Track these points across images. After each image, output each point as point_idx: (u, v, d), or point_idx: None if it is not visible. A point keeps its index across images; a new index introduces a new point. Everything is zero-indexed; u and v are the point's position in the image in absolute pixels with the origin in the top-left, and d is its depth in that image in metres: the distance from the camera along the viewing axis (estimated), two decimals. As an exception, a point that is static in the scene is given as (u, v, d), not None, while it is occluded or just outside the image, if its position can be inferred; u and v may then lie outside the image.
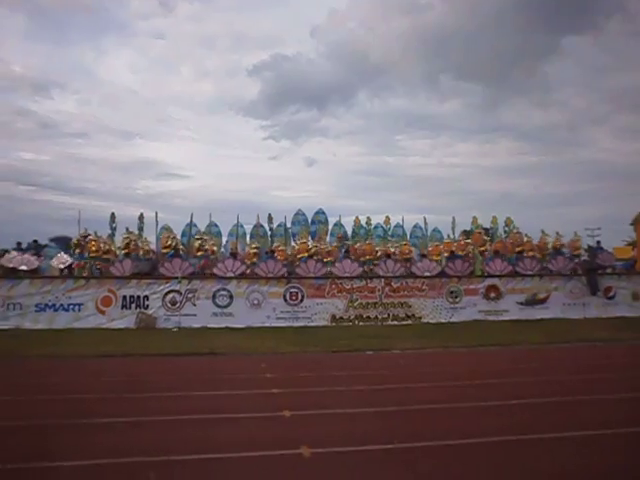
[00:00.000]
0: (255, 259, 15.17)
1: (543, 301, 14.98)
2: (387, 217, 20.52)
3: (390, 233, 20.35)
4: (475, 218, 20.45)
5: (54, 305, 13.16)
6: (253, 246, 16.01)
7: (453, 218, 20.31)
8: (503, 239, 18.29)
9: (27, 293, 13.13)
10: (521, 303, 14.90)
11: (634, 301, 15.21)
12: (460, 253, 16.33)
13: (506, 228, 19.79)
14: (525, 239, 17.00)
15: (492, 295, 14.82)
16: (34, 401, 6.09)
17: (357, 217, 20.41)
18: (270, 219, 19.65)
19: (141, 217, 19.43)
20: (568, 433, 4.58)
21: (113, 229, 19.10)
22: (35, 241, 17.88)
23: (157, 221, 19.36)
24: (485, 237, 17.90)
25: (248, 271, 14.73)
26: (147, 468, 3.81)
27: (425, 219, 20.23)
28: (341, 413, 5.44)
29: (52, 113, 74.40)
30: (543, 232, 17.16)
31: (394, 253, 16.42)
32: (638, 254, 17.97)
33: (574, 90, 78.18)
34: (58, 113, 73.56)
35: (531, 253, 16.19)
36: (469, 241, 17.53)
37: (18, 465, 3.92)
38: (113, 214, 19.26)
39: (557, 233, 17.02)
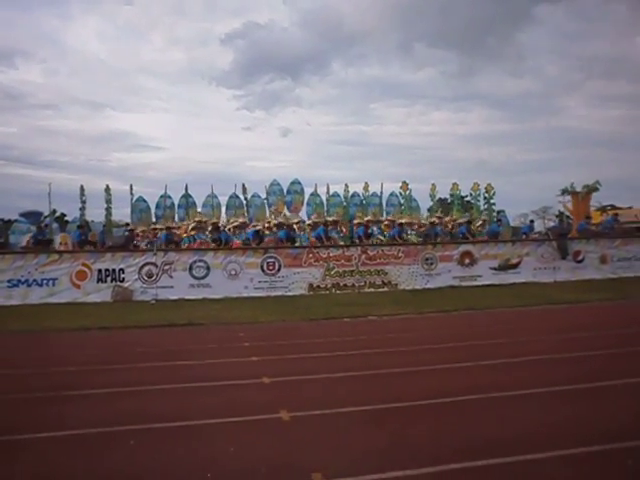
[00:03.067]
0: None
1: (515, 266, 15.32)
2: (366, 184, 20.57)
3: (365, 202, 20.46)
4: (456, 185, 20.69)
5: (27, 280, 12.95)
6: (232, 220, 16.07)
7: (433, 185, 20.52)
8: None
9: (-2, 269, 12.89)
10: (494, 268, 15.22)
11: (602, 264, 15.68)
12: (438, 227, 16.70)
13: (486, 194, 20.12)
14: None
15: (466, 261, 15.08)
16: (13, 375, 6.08)
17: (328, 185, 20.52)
18: (244, 190, 19.53)
19: (108, 190, 19.11)
20: (535, 389, 4.76)
21: (83, 202, 18.79)
22: (1, 219, 17.49)
23: (132, 194, 19.11)
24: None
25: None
26: (128, 436, 3.86)
27: (407, 184, 20.35)
28: (319, 378, 5.56)
29: (17, 83, 71.87)
30: None
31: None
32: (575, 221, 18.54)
33: (547, 58, 78.60)
34: (24, 83, 71.21)
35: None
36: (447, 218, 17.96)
37: (6, 437, 3.93)
38: (82, 187, 18.90)
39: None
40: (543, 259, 15.45)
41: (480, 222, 18.11)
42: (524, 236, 17.19)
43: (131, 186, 19.35)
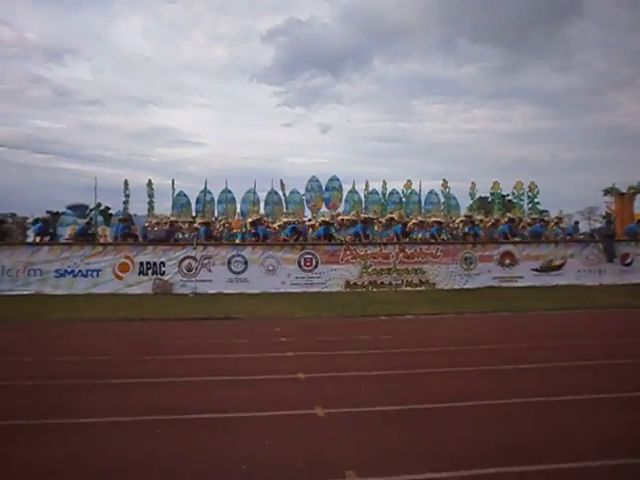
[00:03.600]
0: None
1: (558, 268, 14.88)
2: (408, 181, 20.42)
3: (405, 200, 20.30)
4: (497, 183, 20.28)
5: (73, 271, 13.39)
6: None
7: (472, 184, 20.19)
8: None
9: (47, 259, 13.36)
10: (536, 270, 14.83)
11: (651, 268, 15.06)
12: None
13: (530, 194, 19.64)
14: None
15: (507, 262, 14.75)
16: (56, 362, 6.29)
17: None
18: (282, 186, 19.65)
19: (150, 184, 19.61)
20: (572, 397, 4.61)
21: (127, 196, 19.33)
22: (49, 211, 18.18)
23: (173, 188, 19.51)
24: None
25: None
26: (165, 427, 3.93)
27: (446, 182, 20.11)
28: (355, 376, 5.53)
29: (66, 81, 74.44)
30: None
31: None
32: (619, 223, 17.67)
33: (596, 52, 75.92)
34: (72, 80, 73.60)
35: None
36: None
37: (37, 421, 4.07)
38: (126, 181, 19.45)
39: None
40: (588, 261, 14.96)
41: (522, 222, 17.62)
42: (568, 237, 16.68)
43: (173, 181, 19.79)
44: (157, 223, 16.88)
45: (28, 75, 70.22)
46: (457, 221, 17.02)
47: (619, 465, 3.18)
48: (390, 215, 17.06)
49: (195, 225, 16.66)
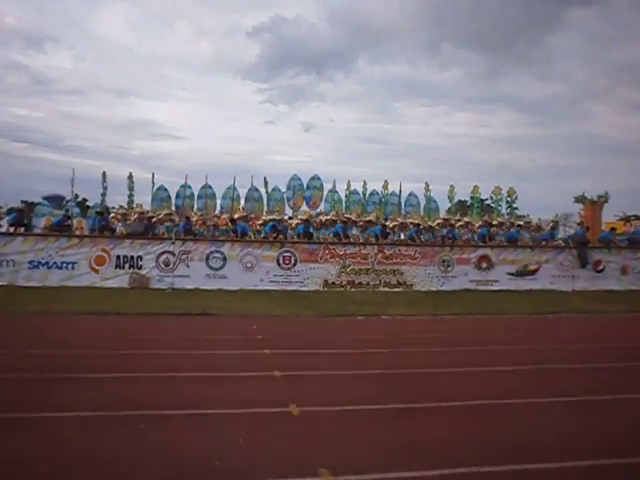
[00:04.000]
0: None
1: (533, 272, 15.15)
2: (386, 182, 20.55)
3: (384, 200, 20.42)
4: (476, 187, 20.54)
5: (47, 263, 13.15)
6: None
7: (451, 187, 20.39)
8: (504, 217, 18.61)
9: (20, 250, 13.09)
10: (512, 274, 15.06)
11: (622, 275, 15.44)
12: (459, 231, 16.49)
13: (508, 199, 19.93)
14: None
15: (483, 265, 14.96)
16: (28, 355, 6.19)
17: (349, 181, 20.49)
18: (266, 183, 19.60)
19: (130, 177, 19.40)
20: (542, 399, 4.72)
21: (105, 189, 19.07)
22: (24, 201, 17.81)
23: (153, 182, 19.29)
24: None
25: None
26: (137, 421, 3.91)
27: (428, 185, 20.30)
28: (330, 375, 5.57)
29: (46, 69, 72.91)
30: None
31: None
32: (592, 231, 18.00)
33: (577, 62, 77.23)
34: (52, 69, 72.14)
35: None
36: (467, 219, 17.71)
37: (7, 415, 4.01)
38: (104, 173, 19.17)
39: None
40: (562, 267, 15.25)
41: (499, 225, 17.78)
42: (544, 242, 16.97)
43: (153, 175, 19.53)
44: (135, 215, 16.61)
45: (6, 61, 68.64)
46: (434, 223, 17.15)
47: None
48: (368, 217, 17.12)
49: (174, 219, 16.47)
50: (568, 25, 71.37)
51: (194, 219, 16.13)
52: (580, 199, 21.27)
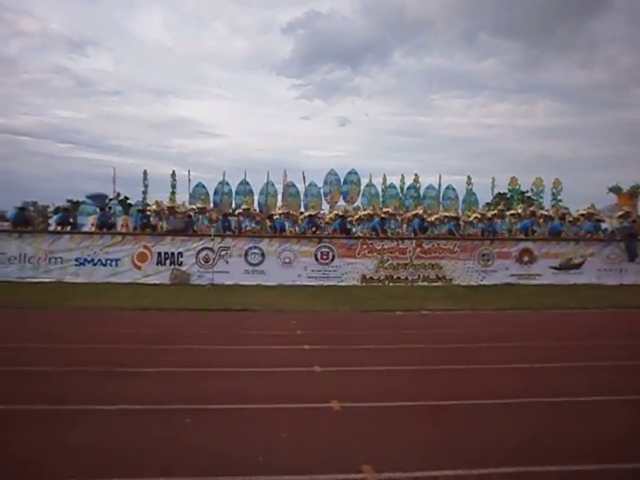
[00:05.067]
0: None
1: (578, 266, 14.70)
2: (416, 175, 20.32)
3: (422, 194, 20.18)
4: (514, 179, 20.05)
5: (92, 260, 13.59)
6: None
7: (493, 179, 20.00)
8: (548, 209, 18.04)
9: (67, 248, 13.57)
10: (555, 268, 14.65)
11: (674, 268, 14.79)
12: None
13: (553, 190, 19.38)
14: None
15: (525, 259, 14.61)
16: (74, 349, 6.39)
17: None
18: (304, 178, 19.61)
19: (173, 175, 19.77)
20: (592, 397, 4.57)
21: (145, 186, 19.48)
22: (69, 200, 18.35)
23: (189, 179, 19.59)
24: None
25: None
26: (183, 415, 3.98)
27: (470, 178, 19.98)
28: (370, 370, 5.54)
29: (88, 71, 74.91)
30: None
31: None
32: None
33: (621, 48, 74.07)
34: (93, 71, 73.99)
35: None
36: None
37: (54, 407, 4.15)
38: (145, 172, 19.59)
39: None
40: (609, 260, 14.74)
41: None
42: (589, 236, 16.43)
43: (189, 172, 19.82)
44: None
45: (51, 65, 70.91)
46: (472, 217, 16.81)
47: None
48: (414, 212, 16.89)
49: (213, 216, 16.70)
50: (612, 9, 68.47)
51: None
52: (615, 190, 20.54)
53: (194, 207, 16.44)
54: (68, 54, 75.97)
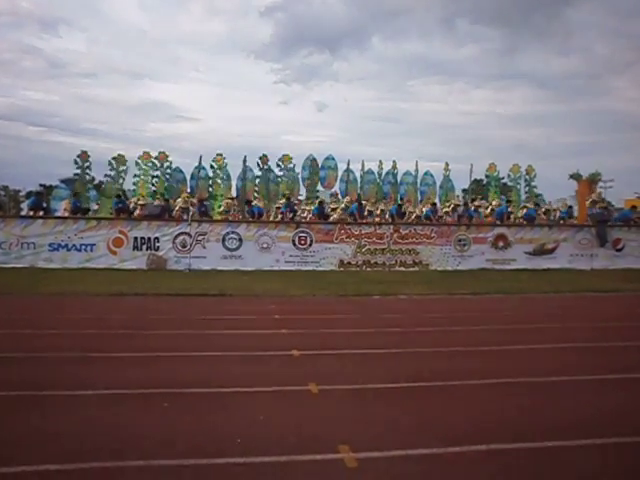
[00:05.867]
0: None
1: (551, 251, 14.99)
2: (394, 162, 20.44)
3: (400, 180, 20.31)
4: (493, 165, 20.28)
5: (67, 245, 13.35)
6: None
7: (471, 165, 20.20)
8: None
9: (40, 233, 13.29)
10: (529, 253, 14.93)
11: (643, 253, 15.20)
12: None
13: (527, 177, 19.69)
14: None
15: (500, 244, 14.84)
16: (50, 335, 6.32)
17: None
18: (286, 160, 19.54)
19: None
20: (547, 378, 4.70)
21: (120, 171, 19.16)
22: (42, 185, 17.96)
23: (162, 165, 19.28)
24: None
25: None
26: (160, 399, 3.97)
27: (447, 165, 20.17)
28: (348, 353, 5.60)
29: (60, 52, 73.14)
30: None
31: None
32: (581, 207, 17.68)
33: (597, 36, 75.26)
34: (66, 52, 72.42)
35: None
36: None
37: (32, 392, 4.11)
38: (121, 156, 19.23)
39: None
40: (581, 245, 15.07)
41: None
42: (561, 221, 16.75)
43: (165, 153, 19.49)
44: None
45: (21, 45, 69.07)
46: (448, 206, 17.01)
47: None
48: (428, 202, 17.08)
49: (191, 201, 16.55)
50: (587, -3, 69.15)
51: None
52: (575, 177, 21.05)
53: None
54: (39, 34, 74.22)
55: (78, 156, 18.93)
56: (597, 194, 17.88)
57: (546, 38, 75.10)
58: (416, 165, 20.24)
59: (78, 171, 18.90)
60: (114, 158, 18.90)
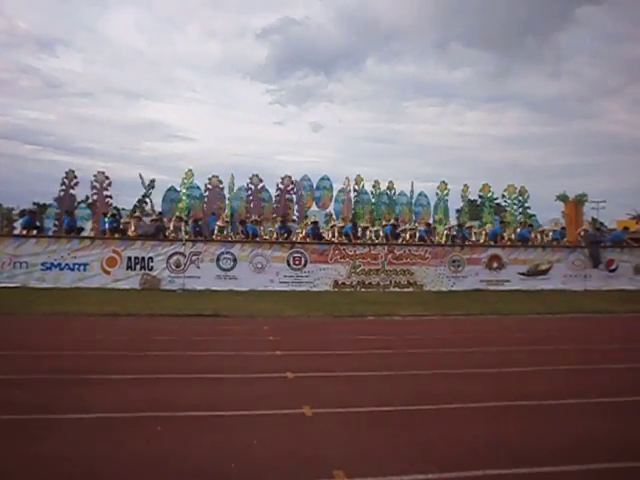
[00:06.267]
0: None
1: (545, 272, 15.06)
2: (391, 182, 20.51)
3: (394, 201, 20.38)
4: (487, 186, 20.44)
5: (60, 264, 13.28)
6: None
7: (465, 186, 20.36)
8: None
9: (33, 252, 13.23)
10: (523, 274, 14.99)
11: (635, 275, 15.31)
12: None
13: (520, 197, 19.86)
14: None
15: (494, 265, 14.90)
16: (43, 357, 6.25)
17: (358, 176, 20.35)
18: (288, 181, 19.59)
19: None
20: (543, 401, 4.69)
21: (106, 189, 19.07)
22: (36, 203, 17.95)
23: (144, 185, 19.16)
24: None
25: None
26: (154, 422, 3.93)
27: (445, 184, 20.27)
28: (342, 376, 5.56)
29: (57, 72, 73.70)
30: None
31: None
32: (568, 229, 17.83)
33: (587, 60, 76.84)
34: (63, 72, 72.94)
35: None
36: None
37: (23, 416, 4.05)
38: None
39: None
40: (574, 266, 15.15)
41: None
42: (555, 242, 16.86)
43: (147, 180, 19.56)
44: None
45: (18, 64, 69.55)
46: (442, 230, 17.12)
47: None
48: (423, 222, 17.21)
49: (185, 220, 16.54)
50: (578, 23, 71.09)
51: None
52: (562, 198, 21.31)
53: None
54: (36, 54, 74.76)
55: (66, 174, 18.87)
56: (589, 222, 18.11)
57: (538, 61, 76.71)
58: (411, 186, 20.37)
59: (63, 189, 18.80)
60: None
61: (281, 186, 19.56)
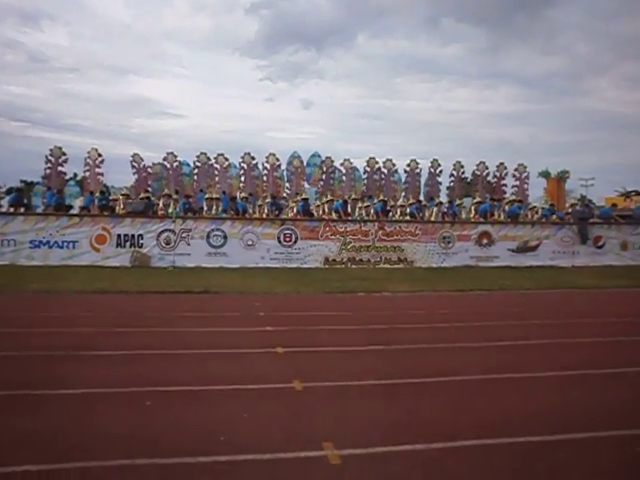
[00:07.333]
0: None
1: (534, 249, 15.18)
2: (372, 158, 20.46)
3: (385, 177, 20.37)
4: (483, 164, 20.50)
5: (48, 242, 13.17)
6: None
7: (458, 163, 20.37)
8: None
9: (21, 230, 13.10)
10: (512, 250, 15.09)
11: (622, 250, 15.47)
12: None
13: (515, 172, 19.99)
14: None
15: (484, 241, 14.98)
16: (32, 334, 6.23)
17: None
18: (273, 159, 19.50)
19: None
20: (542, 373, 4.77)
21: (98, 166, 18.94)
22: (23, 181, 17.75)
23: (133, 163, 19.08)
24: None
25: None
26: (144, 397, 3.95)
27: (437, 161, 20.28)
28: (332, 350, 5.61)
29: (42, 46, 71.92)
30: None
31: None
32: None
33: (578, 36, 76.20)
34: (49, 46, 71.18)
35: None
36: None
37: (15, 392, 4.06)
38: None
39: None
40: (562, 243, 15.28)
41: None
42: (544, 219, 16.95)
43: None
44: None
45: (2, 38, 67.82)
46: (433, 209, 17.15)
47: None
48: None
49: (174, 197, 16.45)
50: (568, -3, 70.07)
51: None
52: (544, 174, 21.47)
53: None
54: (21, 27, 72.80)
55: (50, 152, 18.62)
56: (577, 199, 18.40)
57: (529, 38, 76.06)
58: (407, 163, 20.39)
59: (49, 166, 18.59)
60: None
61: (267, 165, 19.48)
